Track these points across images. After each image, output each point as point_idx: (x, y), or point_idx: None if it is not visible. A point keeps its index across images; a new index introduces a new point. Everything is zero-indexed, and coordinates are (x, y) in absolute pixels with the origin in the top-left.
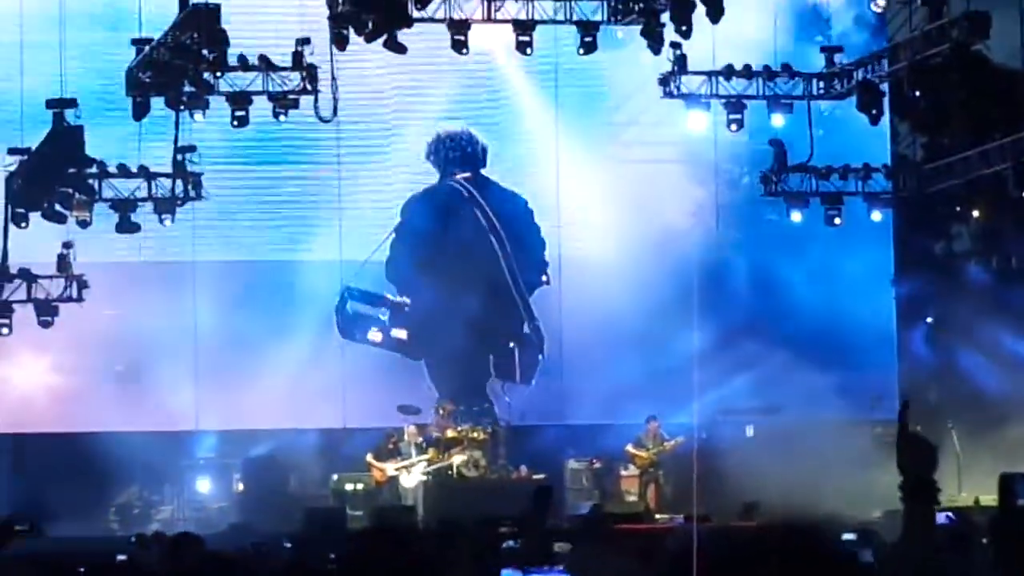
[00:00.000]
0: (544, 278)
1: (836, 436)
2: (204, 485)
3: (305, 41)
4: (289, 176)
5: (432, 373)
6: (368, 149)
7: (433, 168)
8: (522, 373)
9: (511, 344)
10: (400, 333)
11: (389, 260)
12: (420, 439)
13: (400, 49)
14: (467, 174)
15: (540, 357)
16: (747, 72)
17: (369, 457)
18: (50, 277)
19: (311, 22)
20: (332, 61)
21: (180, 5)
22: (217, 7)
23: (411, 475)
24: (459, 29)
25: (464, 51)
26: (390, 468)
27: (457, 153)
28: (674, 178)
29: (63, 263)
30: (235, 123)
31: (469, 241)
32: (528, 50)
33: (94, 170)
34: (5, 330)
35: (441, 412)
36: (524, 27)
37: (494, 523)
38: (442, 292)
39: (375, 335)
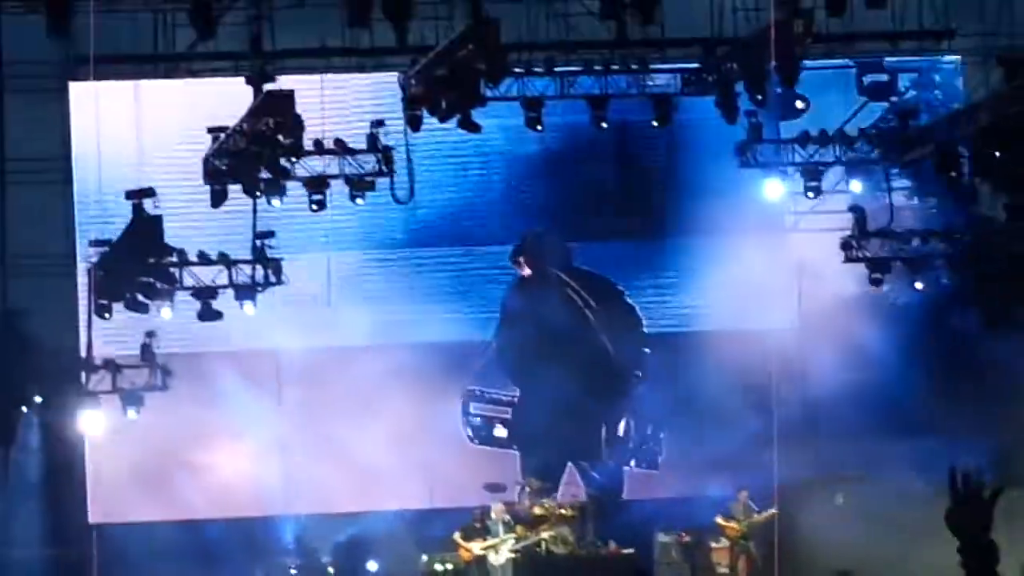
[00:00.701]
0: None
1: (923, 506)
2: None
3: (379, 123)
4: (369, 259)
5: (523, 453)
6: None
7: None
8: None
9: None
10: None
11: (499, 350)
12: (507, 516)
13: (475, 128)
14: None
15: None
16: (823, 138)
17: (456, 536)
18: (135, 367)
19: (385, 103)
20: (407, 142)
21: (254, 92)
22: (291, 92)
23: (500, 553)
24: (533, 107)
25: (539, 128)
26: (477, 547)
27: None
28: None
29: (147, 353)
30: (313, 207)
31: (568, 323)
32: (603, 124)
33: (174, 259)
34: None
35: (528, 489)
36: (598, 102)
37: None
38: (546, 379)
39: (500, 431)
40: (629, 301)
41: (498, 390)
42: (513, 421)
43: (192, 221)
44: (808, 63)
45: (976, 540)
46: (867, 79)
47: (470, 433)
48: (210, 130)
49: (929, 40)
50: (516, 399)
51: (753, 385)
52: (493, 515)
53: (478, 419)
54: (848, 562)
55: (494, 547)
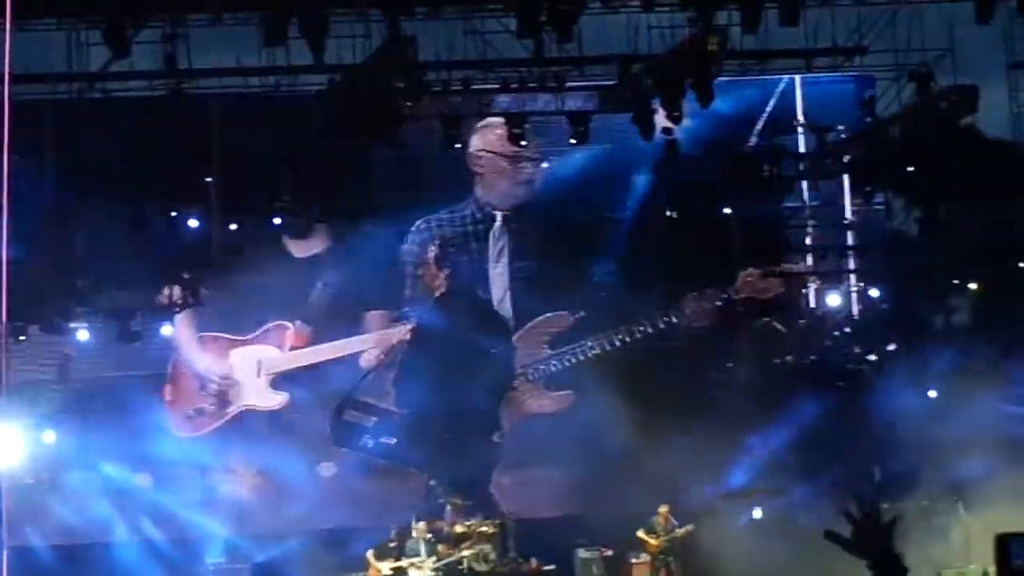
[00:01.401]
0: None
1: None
2: None
3: None
4: None
5: (433, 472)
6: None
7: None
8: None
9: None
10: (390, 440)
11: (405, 364)
12: (429, 535)
13: (401, 145)
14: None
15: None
16: None
17: (369, 555)
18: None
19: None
20: None
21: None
22: None
23: (421, 572)
24: (451, 124)
25: (456, 146)
26: (386, 567)
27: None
28: None
29: (63, 374)
30: None
31: (487, 339)
32: (522, 142)
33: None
34: None
35: (450, 507)
36: (516, 120)
37: None
38: (432, 392)
39: (367, 441)
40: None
41: (376, 400)
42: (413, 437)
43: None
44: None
45: (882, 559)
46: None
47: (335, 437)
48: None
49: (841, 57)
50: (398, 413)
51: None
52: (415, 534)
53: (348, 424)
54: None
55: (404, 567)
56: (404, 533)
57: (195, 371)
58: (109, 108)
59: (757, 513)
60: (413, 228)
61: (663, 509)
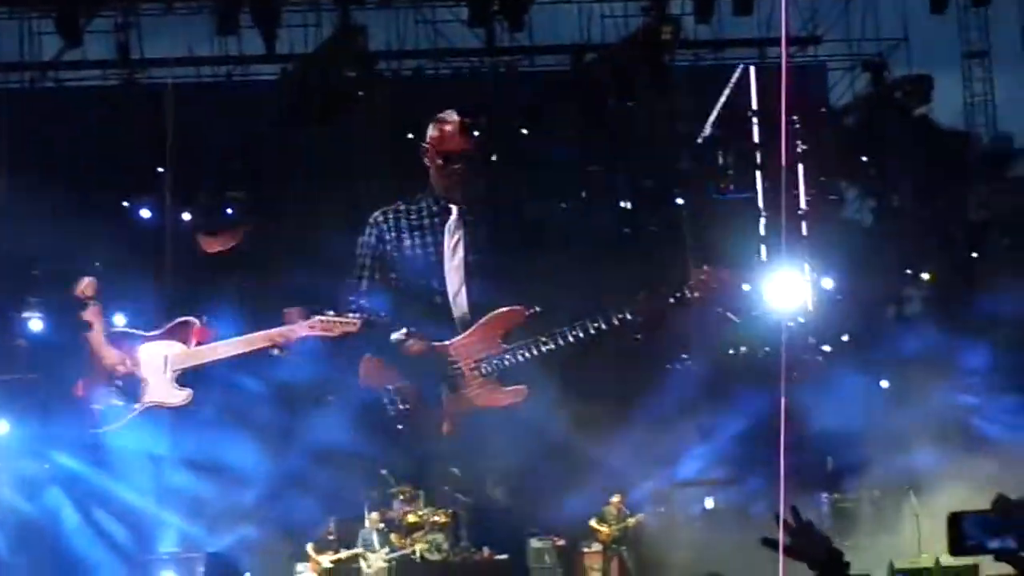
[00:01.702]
0: None
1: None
2: None
3: None
4: None
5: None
6: None
7: None
8: None
9: None
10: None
11: None
12: (382, 525)
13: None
14: None
15: None
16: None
17: (309, 548)
18: None
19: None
20: None
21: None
22: None
23: (374, 563)
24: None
25: (409, 136)
26: (326, 560)
27: None
28: None
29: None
30: None
31: None
32: (475, 132)
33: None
34: None
35: (401, 497)
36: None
37: None
38: None
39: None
40: None
41: None
42: (364, 428)
43: None
44: None
45: (821, 559)
46: None
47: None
48: None
49: (795, 46)
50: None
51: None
52: (368, 524)
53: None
54: (718, 565)
55: (344, 560)
56: (342, 525)
57: (103, 367)
58: (61, 97)
59: (709, 503)
60: (370, 219)
61: (615, 499)
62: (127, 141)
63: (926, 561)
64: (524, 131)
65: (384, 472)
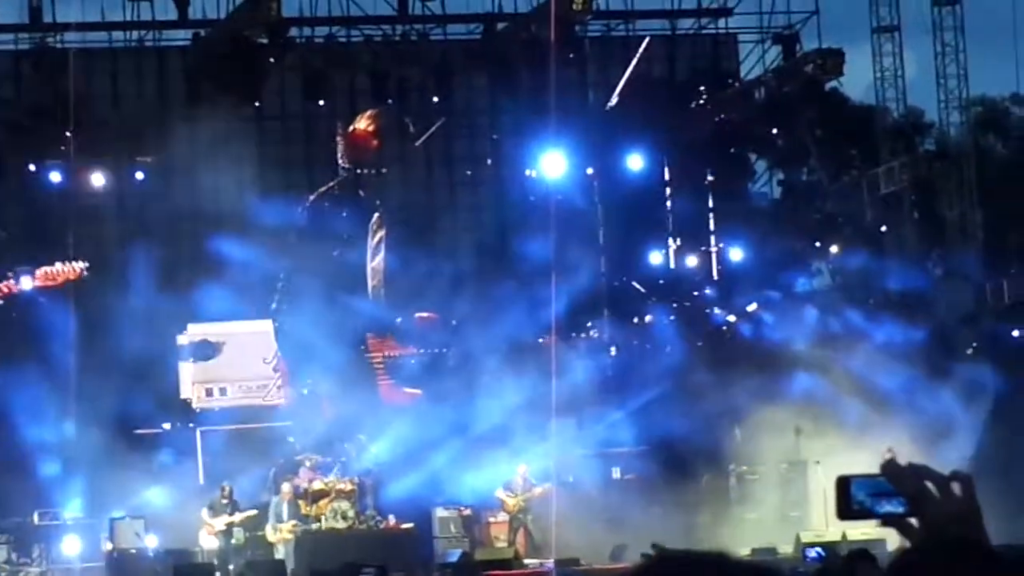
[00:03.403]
0: None
1: (693, 481)
2: (72, 546)
3: None
4: None
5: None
6: None
7: None
8: None
9: None
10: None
11: None
12: (291, 496)
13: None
14: None
15: None
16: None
17: (204, 513)
18: None
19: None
20: None
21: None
22: None
23: (282, 534)
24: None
25: (320, 102)
26: (219, 523)
27: None
28: None
29: None
30: None
31: None
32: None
33: None
34: None
35: (308, 464)
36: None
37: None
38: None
39: None
40: None
41: None
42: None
43: None
44: None
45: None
46: None
47: None
48: None
49: (706, 18)
50: None
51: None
52: (280, 494)
53: None
54: (625, 536)
55: (236, 523)
56: (224, 488)
57: None
58: None
59: (616, 473)
60: (308, 201)
61: (520, 468)
62: (37, 105)
63: (832, 535)
64: (435, 99)
65: (291, 439)
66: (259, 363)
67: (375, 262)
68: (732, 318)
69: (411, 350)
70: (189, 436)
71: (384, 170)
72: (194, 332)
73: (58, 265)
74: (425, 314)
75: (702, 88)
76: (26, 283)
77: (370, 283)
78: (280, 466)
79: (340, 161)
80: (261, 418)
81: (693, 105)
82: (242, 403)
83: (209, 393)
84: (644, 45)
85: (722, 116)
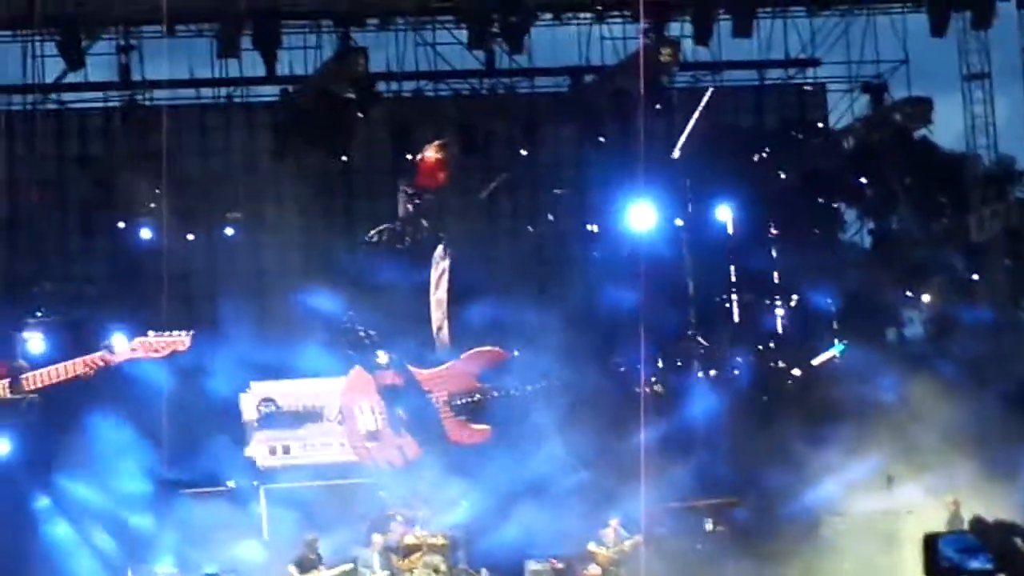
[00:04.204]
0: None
1: (789, 526)
2: None
3: None
4: None
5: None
6: None
7: None
8: None
9: None
10: None
11: None
12: (382, 548)
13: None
14: None
15: None
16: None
17: (291, 569)
18: None
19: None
20: None
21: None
22: None
23: None
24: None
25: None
26: None
27: None
28: None
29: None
30: None
31: None
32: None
33: None
34: None
35: (399, 518)
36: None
37: None
38: None
39: None
40: None
41: None
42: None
43: None
44: None
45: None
46: None
47: None
48: None
49: (794, 68)
50: None
51: None
52: (372, 546)
53: None
54: None
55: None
56: (311, 543)
57: None
58: (64, 119)
59: (708, 525)
60: (367, 237)
61: (613, 521)
62: (127, 162)
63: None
64: (523, 152)
65: (382, 494)
66: (322, 421)
67: (439, 292)
68: (797, 372)
69: (476, 385)
70: (271, 492)
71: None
72: (257, 391)
73: (163, 336)
74: (493, 349)
75: (792, 136)
76: (122, 353)
77: (434, 315)
78: (373, 520)
79: (406, 191)
80: (329, 475)
81: (781, 155)
82: (301, 462)
83: (273, 452)
84: (707, 96)
85: (811, 166)
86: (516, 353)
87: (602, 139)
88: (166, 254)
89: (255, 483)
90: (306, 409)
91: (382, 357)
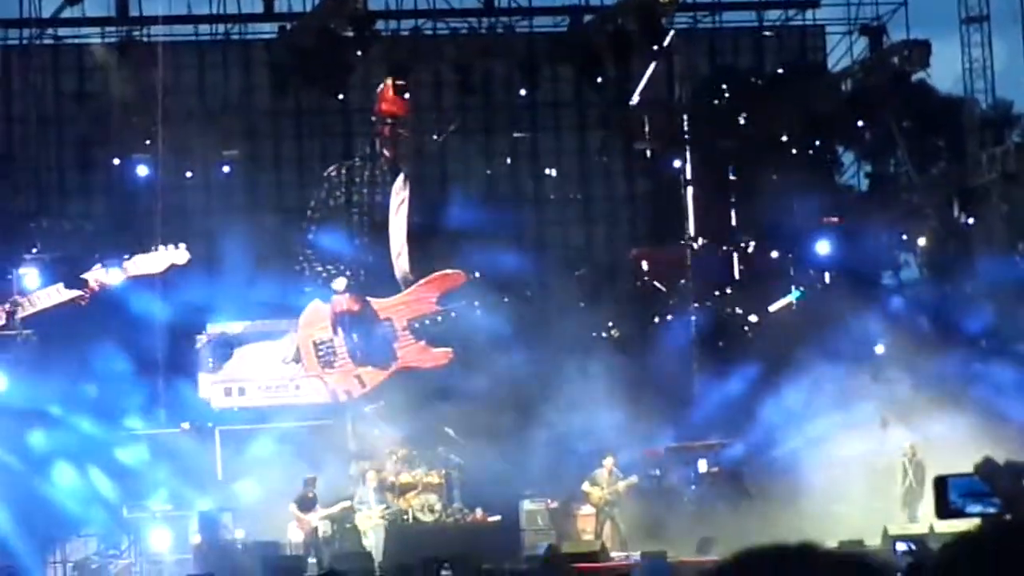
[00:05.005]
0: None
1: (782, 474)
2: (160, 538)
3: None
4: None
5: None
6: None
7: None
8: None
9: None
10: None
11: None
12: (377, 483)
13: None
14: None
15: None
16: None
17: (292, 508)
18: None
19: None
20: None
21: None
22: None
23: (370, 520)
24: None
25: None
26: (314, 519)
27: None
28: None
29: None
30: None
31: None
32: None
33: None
34: None
35: (395, 457)
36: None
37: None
38: None
39: None
40: None
41: None
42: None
43: None
44: None
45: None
46: None
47: None
48: None
49: (793, 9)
50: None
51: None
52: (366, 482)
53: None
54: (711, 529)
55: (333, 515)
56: (311, 482)
57: None
58: (60, 55)
59: (702, 466)
60: (324, 173)
61: (607, 461)
62: (124, 99)
63: (920, 528)
64: (522, 92)
65: (377, 432)
66: (277, 363)
67: (398, 219)
68: (754, 318)
69: (435, 308)
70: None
71: (404, 132)
72: (212, 331)
73: (160, 249)
74: (453, 272)
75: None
76: (116, 276)
77: (392, 241)
78: (368, 459)
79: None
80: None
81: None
82: (259, 404)
83: (228, 393)
84: (668, 40)
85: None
86: (477, 275)
87: (599, 80)
88: (159, 190)
89: (209, 425)
90: (262, 349)
91: (339, 283)
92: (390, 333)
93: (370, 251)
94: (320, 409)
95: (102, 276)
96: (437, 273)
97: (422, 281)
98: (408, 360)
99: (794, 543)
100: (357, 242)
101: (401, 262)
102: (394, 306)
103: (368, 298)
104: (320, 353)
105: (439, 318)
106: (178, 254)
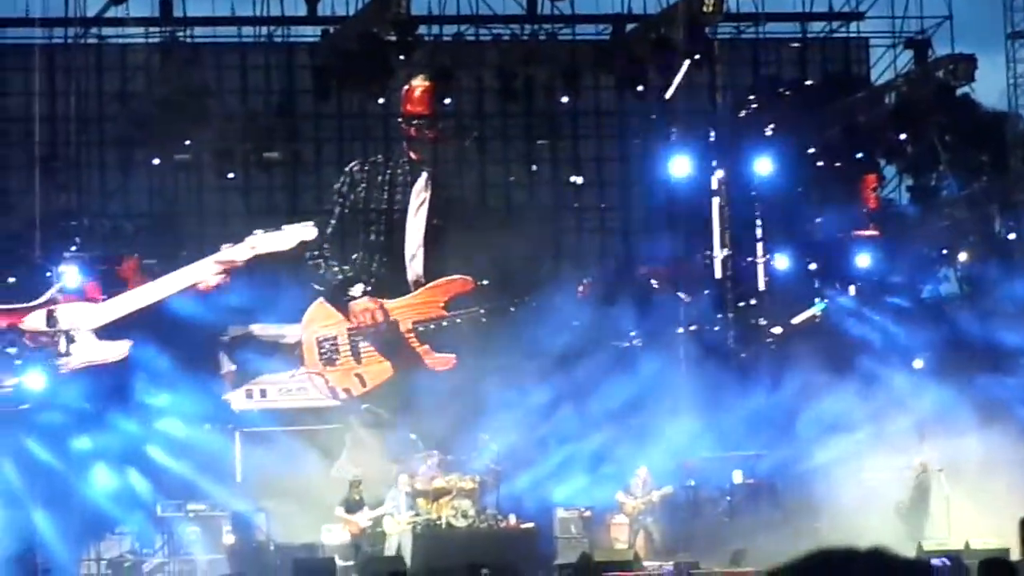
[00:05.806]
0: None
1: (801, 485)
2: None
3: None
4: None
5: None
6: None
7: None
8: None
9: None
10: None
11: None
12: (410, 488)
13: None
14: None
15: None
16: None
17: (339, 511)
18: None
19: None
20: None
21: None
22: None
23: (398, 524)
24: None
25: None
26: (362, 520)
27: None
28: None
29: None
30: None
31: None
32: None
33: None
34: None
35: (428, 462)
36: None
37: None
38: None
39: None
40: None
41: None
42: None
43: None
44: None
45: None
46: None
47: None
48: None
49: (837, 22)
50: None
51: None
52: (398, 486)
53: None
54: (745, 540)
55: (381, 518)
56: (356, 485)
57: None
58: (104, 54)
59: (737, 477)
60: (346, 168)
61: (641, 471)
62: (166, 99)
63: (955, 543)
64: (564, 99)
65: (413, 436)
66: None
67: (417, 220)
68: (778, 330)
69: (442, 313)
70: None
71: (429, 133)
72: (234, 332)
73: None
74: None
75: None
76: (243, 253)
77: (408, 242)
78: (403, 462)
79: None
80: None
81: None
82: (280, 406)
83: (249, 396)
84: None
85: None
86: (485, 283)
87: (641, 88)
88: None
89: (229, 426)
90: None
91: (356, 289)
92: (395, 334)
93: (384, 251)
94: (341, 411)
95: (229, 253)
96: (444, 279)
97: (430, 285)
98: (411, 362)
99: (864, 546)
100: (372, 240)
101: (415, 264)
102: (400, 308)
103: (380, 301)
104: (322, 350)
105: (444, 324)
106: (306, 230)
